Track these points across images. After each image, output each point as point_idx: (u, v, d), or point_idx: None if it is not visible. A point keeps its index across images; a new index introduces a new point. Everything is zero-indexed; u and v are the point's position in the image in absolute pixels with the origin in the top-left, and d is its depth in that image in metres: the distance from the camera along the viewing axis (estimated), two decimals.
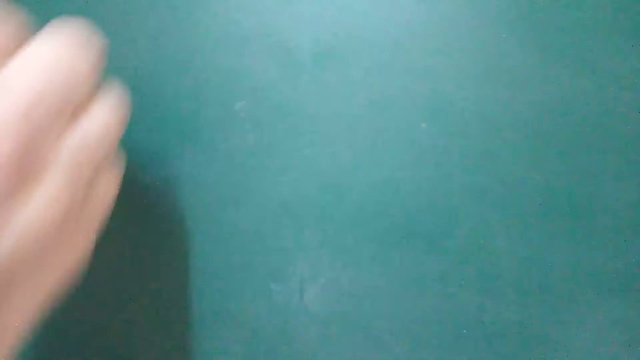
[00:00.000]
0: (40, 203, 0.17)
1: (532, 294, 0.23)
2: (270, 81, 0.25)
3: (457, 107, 0.23)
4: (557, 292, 0.23)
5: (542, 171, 0.23)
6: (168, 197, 0.25)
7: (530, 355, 0.23)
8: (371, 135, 0.24)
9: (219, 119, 0.25)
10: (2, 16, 0.19)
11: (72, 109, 0.18)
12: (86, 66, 0.19)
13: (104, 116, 0.20)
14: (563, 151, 0.23)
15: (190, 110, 0.25)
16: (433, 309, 0.23)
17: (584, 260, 0.22)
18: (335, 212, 0.24)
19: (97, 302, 0.25)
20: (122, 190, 0.22)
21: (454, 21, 0.24)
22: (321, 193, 0.24)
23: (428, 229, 0.23)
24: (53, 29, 0.19)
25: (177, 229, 0.24)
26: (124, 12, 0.26)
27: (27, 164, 0.16)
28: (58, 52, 0.18)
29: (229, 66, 0.25)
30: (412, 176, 0.24)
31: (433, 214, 0.23)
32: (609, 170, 0.22)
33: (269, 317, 0.24)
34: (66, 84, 0.18)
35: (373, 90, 0.24)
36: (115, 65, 0.22)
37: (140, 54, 0.26)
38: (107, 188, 0.21)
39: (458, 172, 0.23)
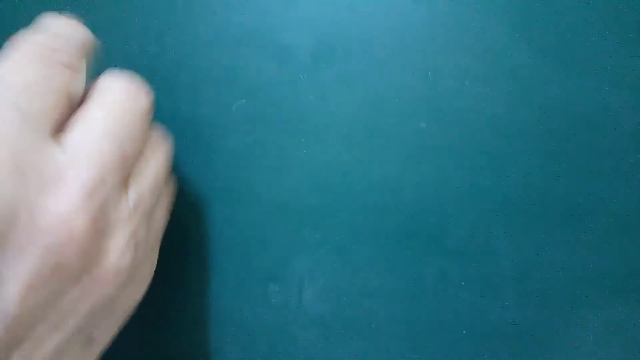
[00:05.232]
0: (112, 257, 0.17)
1: (532, 294, 0.23)
2: (269, 81, 0.25)
3: (456, 106, 0.23)
4: (557, 293, 0.22)
5: (542, 171, 0.23)
6: None
7: (530, 357, 0.23)
8: (370, 135, 0.24)
9: (218, 119, 0.25)
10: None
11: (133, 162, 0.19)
12: (146, 121, 0.20)
13: (160, 158, 0.21)
14: (563, 151, 0.23)
15: (188, 109, 0.25)
16: (432, 310, 0.23)
17: (584, 261, 0.22)
18: (334, 212, 0.24)
19: None
20: None
21: (454, 21, 0.23)
22: (320, 193, 0.24)
23: (427, 229, 0.23)
24: (109, 80, 0.19)
25: (174, 228, 0.24)
26: (122, 11, 0.26)
27: (99, 233, 0.17)
28: (122, 107, 0.19)
29: (228, 65, 0.25)
30: (411, 176, 0.24)
31: (432, 214, 0.23)
32: (609, 170, 0.22)
33: (267, 317, 0.24)
34: (130, 142, 0.18)
35: (372, 90, 0.24)
36: (113, 65, 0.22)
37: (139, 53, 0.26)
38: (163, 212, 0.22)
39: (458, 172, 0.23)
